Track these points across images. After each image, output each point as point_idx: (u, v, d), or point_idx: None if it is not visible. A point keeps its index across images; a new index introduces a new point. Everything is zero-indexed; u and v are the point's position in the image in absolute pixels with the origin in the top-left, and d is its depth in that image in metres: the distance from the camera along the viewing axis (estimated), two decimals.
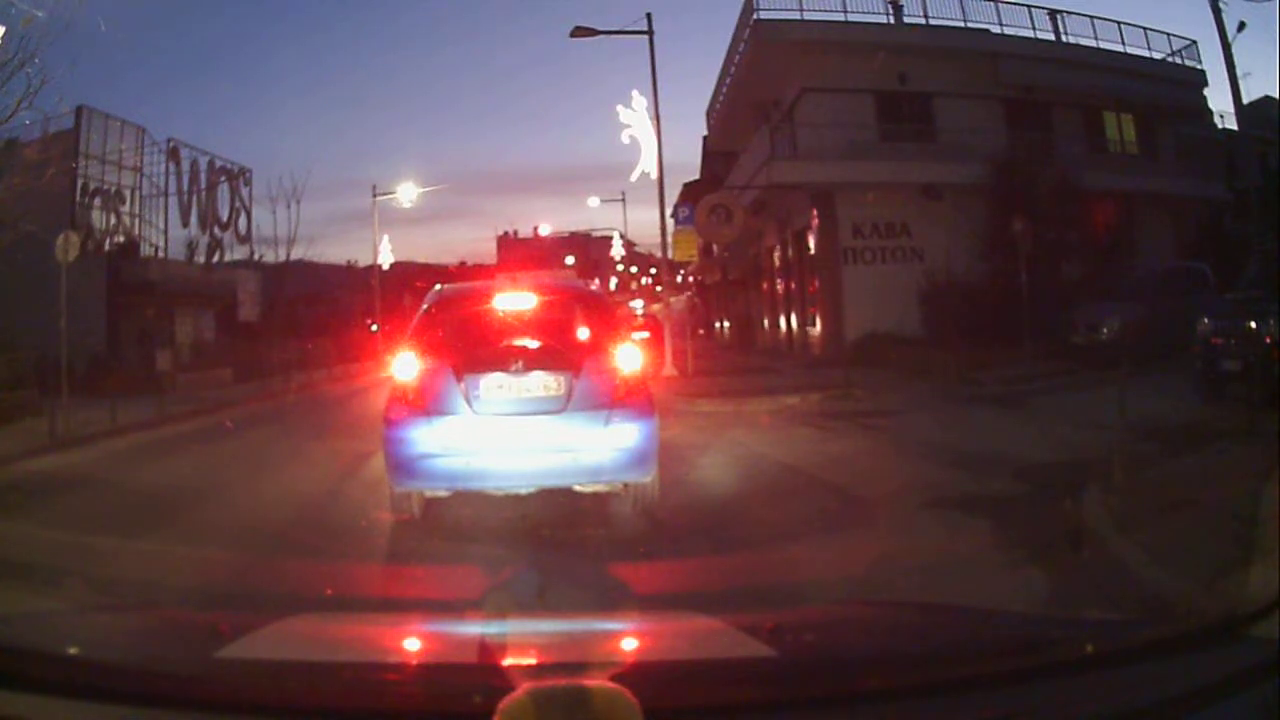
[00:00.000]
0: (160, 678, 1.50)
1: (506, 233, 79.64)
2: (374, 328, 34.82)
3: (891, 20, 21.57)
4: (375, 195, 33.92)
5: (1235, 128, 24.25)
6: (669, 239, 20.97)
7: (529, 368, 5.89)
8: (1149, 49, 23.62)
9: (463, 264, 63.31)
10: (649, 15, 19.17)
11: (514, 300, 6.42)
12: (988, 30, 21.82)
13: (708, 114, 31.07)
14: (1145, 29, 23.65)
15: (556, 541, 5.76)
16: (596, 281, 9.65)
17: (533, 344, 6.14)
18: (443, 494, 6.12)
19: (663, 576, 5.07)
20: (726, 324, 38.53)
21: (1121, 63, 22.77)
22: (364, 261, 42.17)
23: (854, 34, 21.14)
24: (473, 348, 6.19)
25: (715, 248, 30.67)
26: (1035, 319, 14.47)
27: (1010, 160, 19.05)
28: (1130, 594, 4.16)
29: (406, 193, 33.76)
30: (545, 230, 70.84)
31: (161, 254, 28.35)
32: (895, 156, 20.47)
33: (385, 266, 40.21)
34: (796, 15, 21.19)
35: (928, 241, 19.99)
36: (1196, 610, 3.33)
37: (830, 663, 1.66)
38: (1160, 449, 7.00)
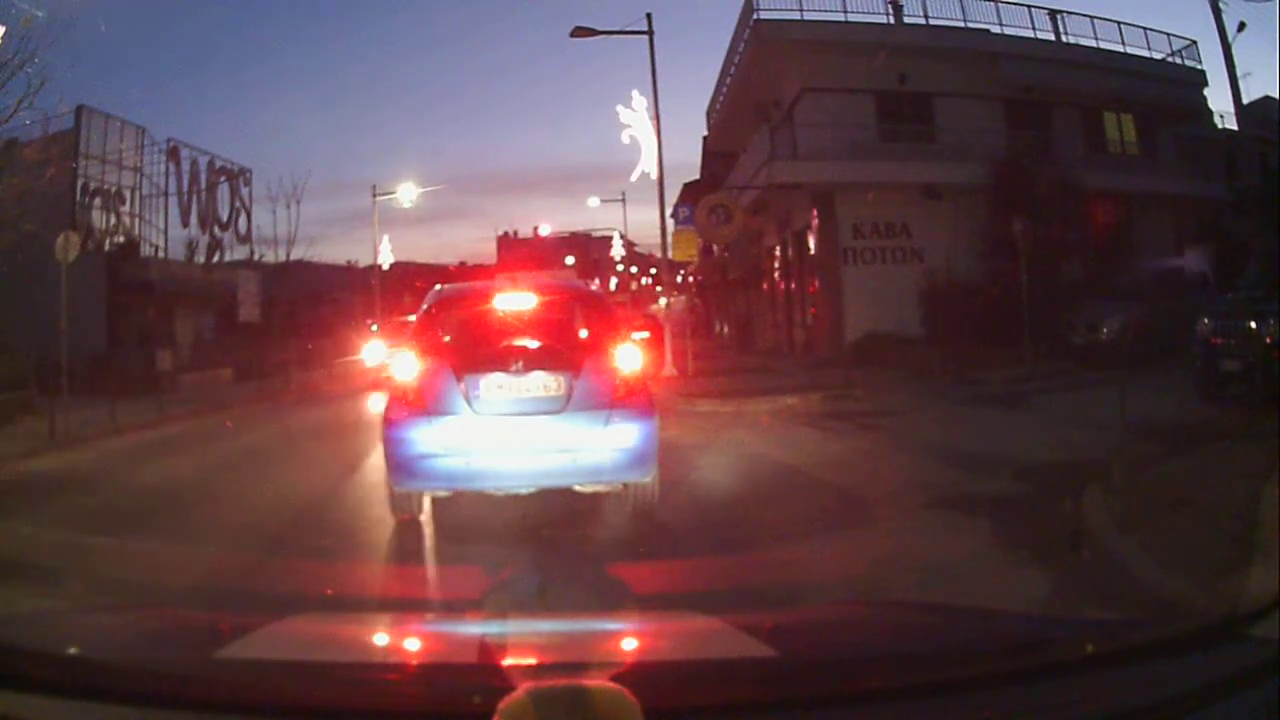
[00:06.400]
0: (160, 678, 1.50)
1: (506, 233, 79.72)
2: (374, 328, 34.79)
3: (891, 20, 21.55)
4: (375, 195, 33.90)
5: (1235, 128, 24.26)
6: (669, 239, 20.96)
7: (529, 368, 5.88)
8: (1149, 49, 23.62)
9: (463, 264, 63.30)
10: (649, 15, 19.18)
11: (514, 300, 6.42)
12: (988, 30, 21.80)
13: (708, 114, 31.07)
14: (1145, 29, 23.67)
15: (556, 542, 5.76)
16: (596, 281, 9.66)
17: (533, 344, 6.14)
18: (443, 494, 6.13)
19: (663, 576, 5.07)
20: (726, 324, 38.52)
21: (1121, 63, 22.76)
22: (364, 261, 42.21)
23: (854, 34, 21.12)
24: (473, 348, 6.19)
25: (715, 248, 30.69)
26: (1035, 319, 14.46)
27: (1010, 160, 19.03)
28: (1130, 594, 4.16)
29: (406, 193, 33.72)
30: (545, 230, 70.76)
31: (161, 254, 28.35)
32: (895, 156, 20.46)
33: (385, 266, 40.19)
34: (796, 15, 21.18)
35: (928, 241, 19.98)
36: (1196, 610, 3.33)
37: (830, 663, 1.65)
38: (1160, 449, 7.00)
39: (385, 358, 20.17)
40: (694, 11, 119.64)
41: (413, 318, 7.48)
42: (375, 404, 14.36)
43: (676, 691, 1.43)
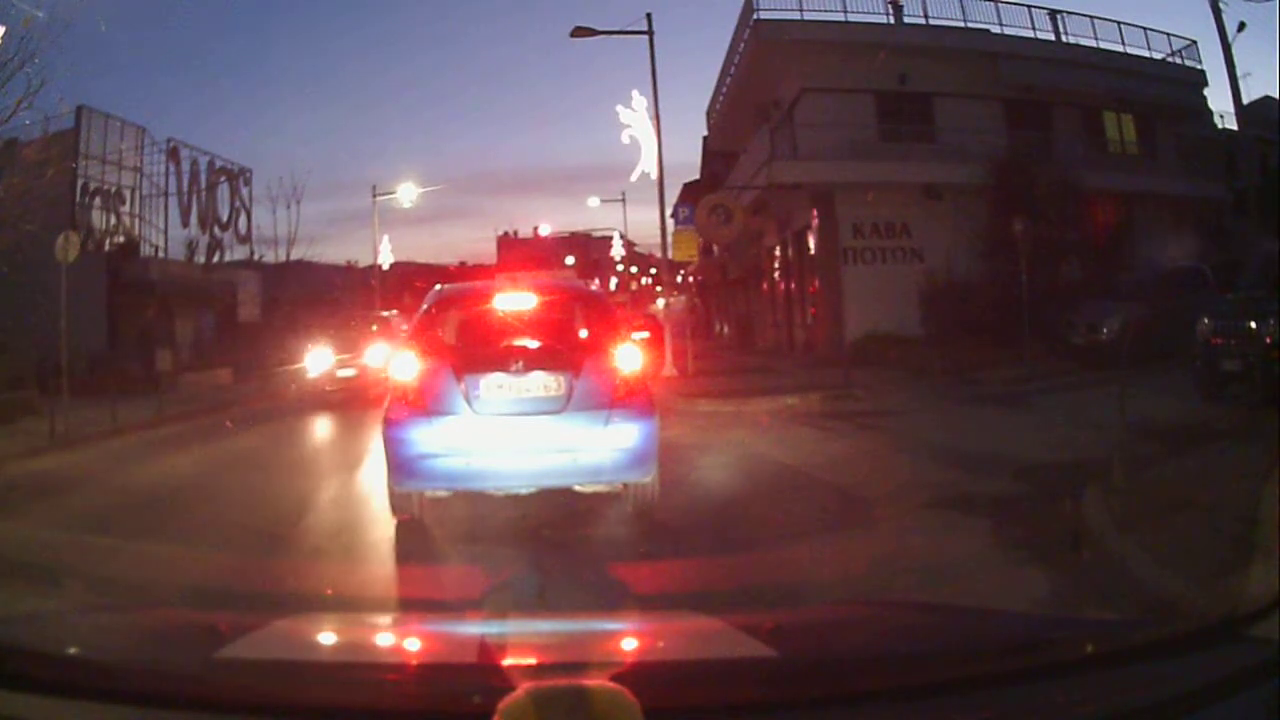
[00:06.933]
0: (160, 678, 1.50)
1: (506, 233, 79.69)
2: (374, 328, 34.75)
3: (891, 20, 21.58)
4: (375, 195, 33.85)
5: (1235, 128, 24.28)
6: (669, 239, 20.97)
7: (529, 368, 5.88)
8: (1149, 49, 23.64)
9: (463, 264, 63.18)
10: (649, 15, 19.17)
11: (514, 300, 6.42)
12: (988, 30, 21.82)
13: (708, 114, 31.08)
14: (1145, 29, 23.69)
15: (557, 542, 5.76)
16: (596, 281, 9.66)
17: (533, 344, 6.14)
18: (443, 494, 6.12)
19: (663, 576, 5.07)
20: (726, 324, 38.54)
21: (1121, 63, 22.77)
22: (364, 261, 42.13)
23: (854, 34, 21.14)
24: (473, 348, 6.20)
25: (715, 248, 30.67)
26: (1035, 319, 14.46)
27: (1010, 160, 19.04)
28: (1130, 594, 4.16)
29: (406, 193, 33.64)
30: (545, 230, 70.70)
31: (161, 254, 28.33)
32: (895, 156, 20.47)
33: (385, 266, 40.17)
34: (796, 15, 21.20)
35: (928, 241, 19.99)
36: (1196, 610, 3.33)
37: (830, 663, 1.65)
38: (1160, 449, 7.00)
39: (335, 370, 17.10)
40: (694, 11, 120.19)
41: (393, 313, 7.46)
42: (374, 404, 14.33)
43: (676, 691, 1.43)
